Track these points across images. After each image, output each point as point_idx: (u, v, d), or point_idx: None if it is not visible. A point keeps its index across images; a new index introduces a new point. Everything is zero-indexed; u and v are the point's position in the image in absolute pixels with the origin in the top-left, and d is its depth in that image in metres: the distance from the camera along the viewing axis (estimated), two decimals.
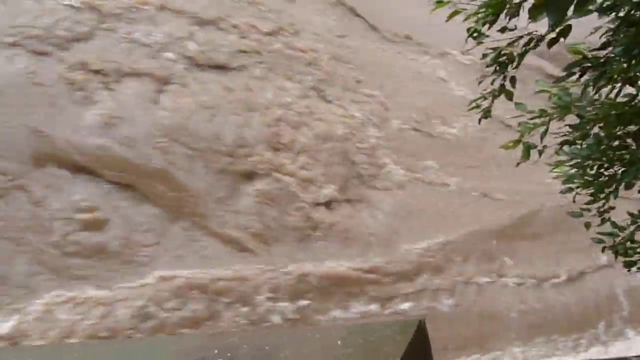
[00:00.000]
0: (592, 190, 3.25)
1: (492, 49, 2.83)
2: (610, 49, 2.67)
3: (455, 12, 2.85)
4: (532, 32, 2.71)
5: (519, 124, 3.31)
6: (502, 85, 2.96)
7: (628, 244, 3.31)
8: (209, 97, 6.66)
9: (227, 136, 6.51)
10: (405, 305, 6.40)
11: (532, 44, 2.72)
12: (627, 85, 2.82)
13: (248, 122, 6.77)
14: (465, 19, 2.78)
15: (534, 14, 2.46)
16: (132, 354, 2.21)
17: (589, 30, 2.86)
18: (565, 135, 3.24)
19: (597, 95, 3.01)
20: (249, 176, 6.45)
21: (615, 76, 2.70)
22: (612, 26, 2.78)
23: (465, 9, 2.81)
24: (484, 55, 2.89)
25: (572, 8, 2.38)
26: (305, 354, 2.21)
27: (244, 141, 6.59)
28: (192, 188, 5.94)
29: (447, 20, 2.88)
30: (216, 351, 2.15)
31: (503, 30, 2.73)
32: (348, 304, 6.10)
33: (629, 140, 3.11)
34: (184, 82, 6.64)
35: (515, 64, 2.82)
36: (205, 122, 6.44)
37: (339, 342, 2.25)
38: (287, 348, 2.23)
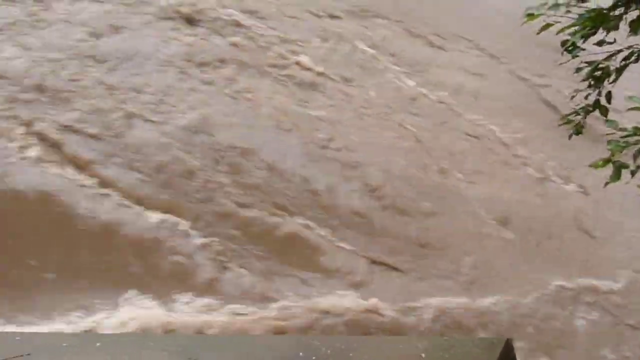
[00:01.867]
0: None
1: (587, 62, 2.73)
2: None
3: (547, 25, 2.78)
4: (632, 46, 2.60)
5: (609, 142, 3.16)
6: (597, 101, 2.84)
7: None
8: None
9: None
10: None
11: (632, 58, 2.60)
12: None
13: None
14: (559, 32, 2.70)
15: (636, 27, 2.37)
16: (218, 351, 2.25)
17: None
18: None
19: None
20: None
21: None
22: None
23: (559, 22, 2.73)
24: (578, 70, 2.78)
25: None
26: None
27: None
28: None
29: (538, 33, 2.82)
30: (301, 354, 2.16)
31: (600, 43, 2.63)
32: None
33: None
34: None
35: (612, 78, 2.71)
36: None
37: (422, 354, 2.20)
38: (369, 354, 2.20)
